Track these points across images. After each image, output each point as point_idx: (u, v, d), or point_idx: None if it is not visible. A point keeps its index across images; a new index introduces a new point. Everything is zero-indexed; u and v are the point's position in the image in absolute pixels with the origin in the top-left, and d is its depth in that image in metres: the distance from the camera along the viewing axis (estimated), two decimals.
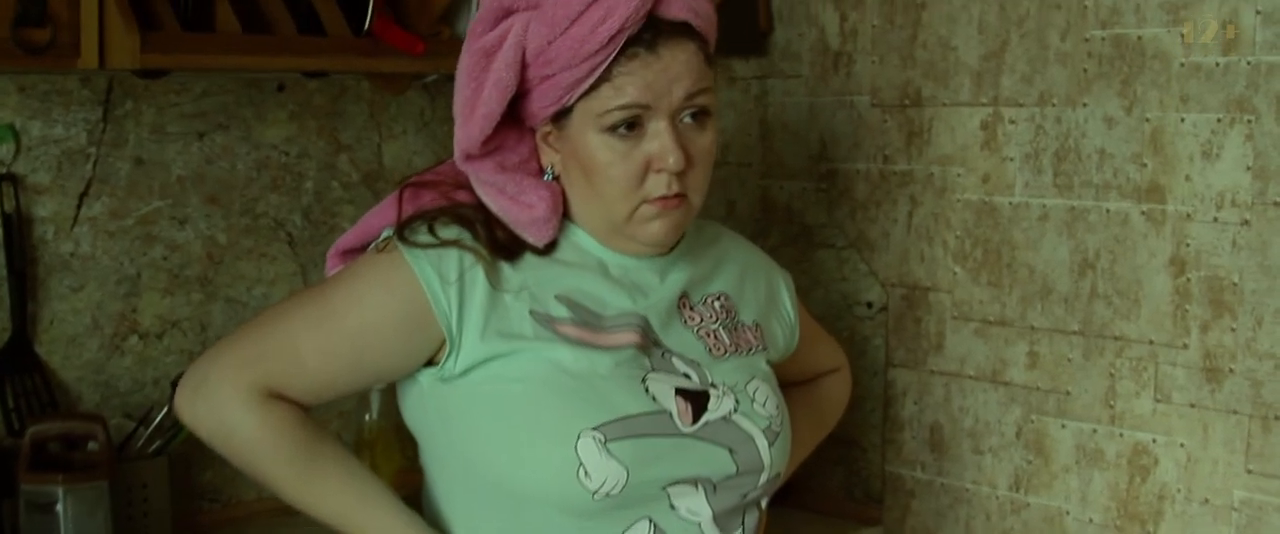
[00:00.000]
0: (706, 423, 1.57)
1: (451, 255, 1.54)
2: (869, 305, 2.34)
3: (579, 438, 1.49)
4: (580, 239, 1.61)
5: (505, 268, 1.56)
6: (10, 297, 2.08)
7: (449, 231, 1.56)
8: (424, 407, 1.60)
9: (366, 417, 2.33)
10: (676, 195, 1.54)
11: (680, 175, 1.54)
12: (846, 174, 2.35)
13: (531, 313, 1.54)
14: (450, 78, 2.26)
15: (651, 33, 1.50)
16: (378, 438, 2.31)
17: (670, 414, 1.54)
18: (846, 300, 2.36)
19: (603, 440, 1.50)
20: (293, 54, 2.01)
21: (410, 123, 2.48)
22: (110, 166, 2.17)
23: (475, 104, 1.52)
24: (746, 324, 1.70)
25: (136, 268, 2.21)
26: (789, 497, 2.29)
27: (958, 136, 2.20)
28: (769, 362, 1.72)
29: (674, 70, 1.51)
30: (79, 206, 2.14)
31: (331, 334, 1.55)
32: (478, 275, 1.53)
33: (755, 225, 2.47)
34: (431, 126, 2.51)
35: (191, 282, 2.27)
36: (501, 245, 1.56)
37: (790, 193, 2.44)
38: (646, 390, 1.54)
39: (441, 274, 1.53)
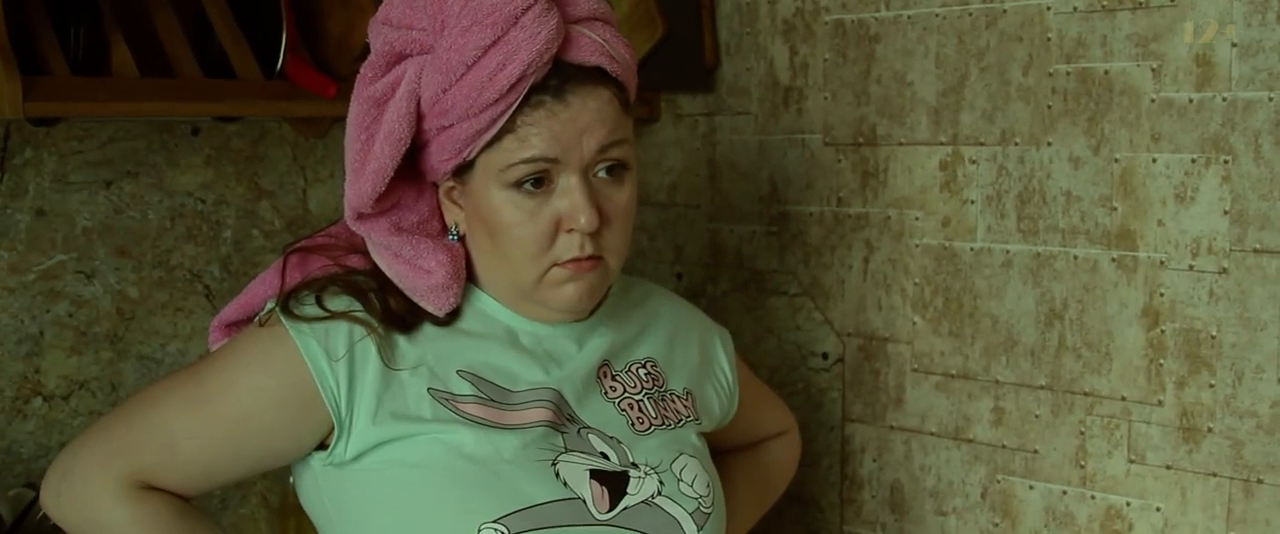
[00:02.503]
0: (625, 509, 1.42)
1: (340, 329, 1.41)
2: (824, 356, 2.20)
3: (479, 531, 1.35)
4: (486, 305, 1.47)
5: (401, 341, 1.43)
6: None
7: (338, 303, 1.44)
8: (318, 493, 1.47)
9: (291, 479, 2.19)
10: (591, 258, 1.40)
11: (594, 236, 1.40)
12: (799, 217, 2.21)
13: (430, 391, 1.40)
14: None
15: (559, 79, 1.36)
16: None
17: (584, 501, 1.40)
18: (800, 351, 2.22)
19: (505, 532, 1.35)
20: (197, 99, 1.87)
21: (337, 166, 2.33)
22: (9, 219, 2.02)
23: (366, 159, 1.38)
24: (676, 393, 1.56)
25: (39, 326, 2.06)
26: None
27: (915, 177, 2.06)
28: (702, 432, 1.58)
29: (584, 120, 1.37)
30: None
31: (208, 419, 1.42)
32: (369, 351, 1.39)
33: (704, 271, 2.33)
34: None
35: (100, 339, 2.12)
36: (397, 316, 1.43)
37: (740, 236, 2.30)
38: (557, 475, 1.40)
39: (328, 350, 1.40)
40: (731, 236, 2.31)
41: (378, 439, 1.40)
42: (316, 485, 1.47)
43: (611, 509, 1.41)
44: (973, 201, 2.00)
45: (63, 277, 2.08)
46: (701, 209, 2.35)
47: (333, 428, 1.41)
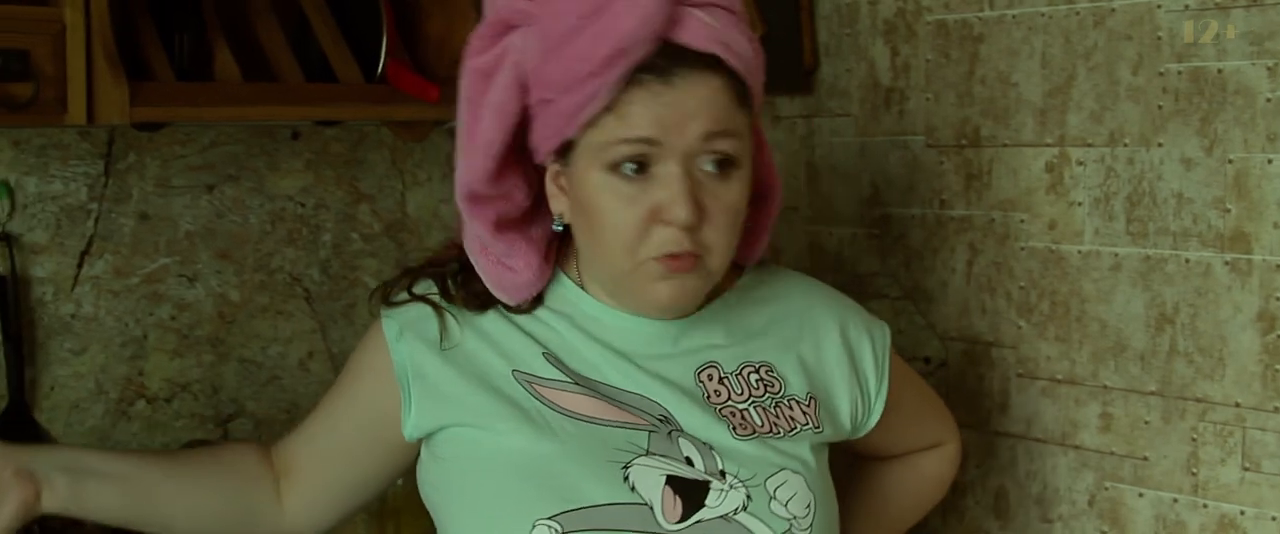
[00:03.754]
0: (699, 521, 1.37)
1: (419, 311, 1.47)
2: (927, 361, 2.17)
3: (532, 528, 1.34)
4: (582, 301, 1.46)
5: (481, 324, 1.44)
6: (6, 362, 1.95)
7: (422, 287, 1.49)
8: (423, 482, 1.52)
9: (399, 482, 2.21)
10: (688, 255, 1.37)
11: (692, 231, 1.35)
12: (901, 219, 2.18)
13: (514, 373, 1.41)
14: None
15: (666, 60, 1.32)
16: (404, 505, 2.17)
17: (651, 507, 1.36)
18: (903, 355, 2.18)
19: (559, 530, 1.33)
20: (300, 103, 1.88)
21: (435, 169, 2.34)
22: (113, 223, 2.04)
23: (474, 133, 1.37)
24: (796, 399, 1.49)
25: (143, 329, 2.08)
26: None
27: (1021, 179, 2.03)
28: (826, 441, 1.51)
29: (690, 105, 1.32)
30: (80, 266, 2.02)
31: (327, 392, 1.55)
32: (441, 332, 1.44)
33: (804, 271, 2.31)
34: None
35: (202, 342, 2.13)
36: (476, 300, 1.44)
37: (840, 240, 2.27)
38: (626, 478, 1.37)
39: (403, 329, 1.46)
40: (831, 239, 2.29)
41: (443, 421, 1.43)
42: (423, 477, 1.51)
43: (682, 521, 1.36)
44: (1080, 204, 1.97)
45: (166, 280, 2.09)
46: (800, 211, 2.33)
47: (402, 405, 1.46)
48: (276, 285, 2.20)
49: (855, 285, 2.24)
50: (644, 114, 1.32)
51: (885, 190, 2.20)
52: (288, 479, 1.53)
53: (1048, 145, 2.00)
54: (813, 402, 1.50)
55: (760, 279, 1.57)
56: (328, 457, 1.51)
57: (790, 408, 1.48)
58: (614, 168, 1.35)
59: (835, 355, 1.55)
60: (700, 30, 1.35)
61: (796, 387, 1.50)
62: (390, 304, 1.48)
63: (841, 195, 2.27)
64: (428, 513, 2.26)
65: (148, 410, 2.09)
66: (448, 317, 1.44)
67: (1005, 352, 2.07)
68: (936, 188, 2.13)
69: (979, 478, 2.13)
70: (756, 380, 1.48)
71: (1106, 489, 1.97)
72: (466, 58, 1.40)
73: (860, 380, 1.57)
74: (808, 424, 1.48)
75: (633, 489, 1.36)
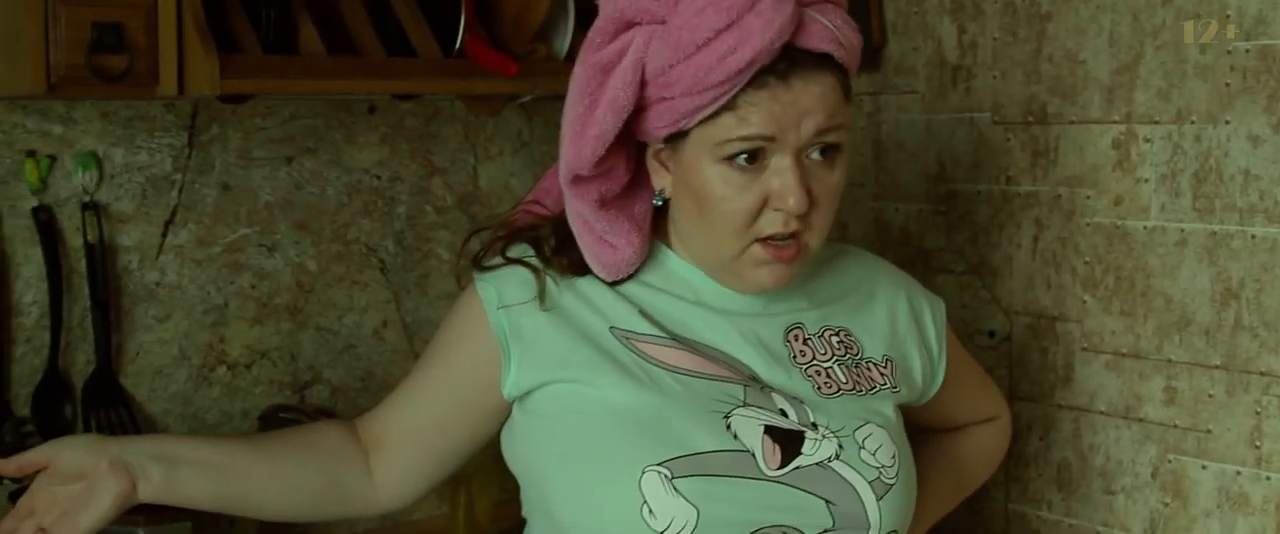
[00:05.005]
0: (797, 468, 1.43)
1: (516, 273, 1.50)
2: (991, 335, 2.20)
3: (643, 473, 1.38)
4: (675, 264, 1.50)
5: (579, 286, 1.48)
6: (94, 328, 2.01)
7: (516, 251, 1.52)
8: (514, 445, 1.54)
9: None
10: (792, 238, 1.42)
11: (801, 215, 1.41)
12: (966, 195, 2.21)
13: (612, 330, 1.44)
14: (547, 98, 2.19)
15: (786, 63, 1.37)
16: (476, 471, 2.22)
17: (753, 455, 1.41)
18: (967, 329, 2.22)
19: (669, 477, 1.38)
20: (380, 77, 1.92)
21: (507, 144, 2.38)
22: (196, 193, 2.10)
23: (588, 122, 1.40)
24: (873, 360, 1.56)
25: (224, 297, 2.14)
26: None
27: (1087, 156, 2.05)
28: (901, 403, 1.57)
29: (805, 103, 1.37)
30: (164, 235, 2.07)
31: (418, 362, 1.57)
32: (538, 293, 1.47)
33: (868, 249, 2.33)
34: (529, 147, 2.41)
35: (281, 310, 2.19)
36: (579, 266, 1.48)
37: (906, 215, 2.30)
38: (728, 427, 1.42)
39: (501, 293, 1.49)
40: (897, 215, 2.32)
41: (543, 379, 1.46)
42: (514, 438, 1.53)
43: (782, 467, 1.42)
44: (1146, 180, 1.99)
45: (246, 249, 2.15)
46: (866, 188, 2.36)
47: (502, 365, 1.48)
48: (352, 256, 2.25)
49: (920, 260, 2.27)
50: (762, 114, 1.37)
51: (951, 167, 2.23)
52: (378, 453, 1.56)
53: (1114, 122, 2.02)
54: (889, 363, 1.55)
55: (833, 251, 1.63)
56: (420, 427, 1.54)
57: (869, 369, 1.54)
58: (728, 159, 1.39)
59: (904, 322, 1.61)
60: (818, 32, 1.39)
61: (873, 350, 1.55)
62: (483, 268, 1.51)
63: (907, 172, 2.30)
64: (499, 480, 2.31)
65: (228, 376, 2.15)
66: (546, 278, 1.48)
67: (1070, 326, 2.10)
68: (1003, 164, 2.16)
69: (1042, 451, 2.16)
70: (837, 343, 1.54)
71: (1170, 462, 2.00)
72: (586, 50, 1.43)
73: (926, 346, 1.63)
74: (886, 384, 1.54)
75: (735, 437, 1.41)
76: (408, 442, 1.54)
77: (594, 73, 1.41)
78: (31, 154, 1.95)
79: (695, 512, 1.37)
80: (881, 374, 1.55)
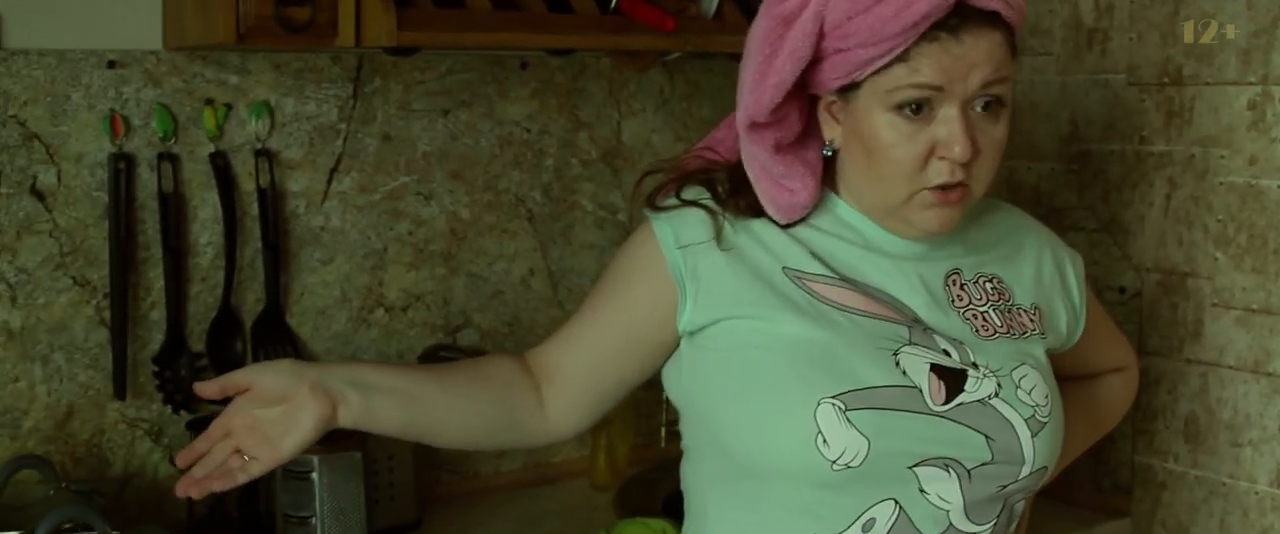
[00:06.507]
0: (960, 404, 1.51)
1: (692, 214, 1.56)
2: (1122, 291, 2.26)
3: (818, 405, 1.46)
4: (843, 211, 1.58)
5: (753, 227, 1.55)
6: (264, 269, 2.13)
7: (691, 193, 1.58)
8: (680, 378, 1.60)
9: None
10: (958, 185, 1.49)
11: (965, 165, 1.49)
12: (1100, 155, 2.27)
13: (784, 271, 1.52)
14: (691, 57, 2.27)
15: (958, 19, 1.44)
16: (616, 416, 2.31)
17: (920, 390, 1.50)
18: (1097, 285, 2.28)
19: (843, 409, 1.46)
20: (541, 31, 2.01)
21: (649, 101, 2.47)
22: (359, 143, 2.20)
23: (768, 72, 1.48)
24: (1022, 307, 1.63)
25: (383, 242, 2.24)
26: None
27: (1222, 117, 2.11)
28: (1048, 349, 1.65)
29: (974, 57, 1.45)
30: (329, 182, 2.18)
31: (589, 297, 1.62)
32: (714, 233, 1.53)
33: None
34: (670, 104, 2.49)
35: (435, 256, 2.29)
36: (754, 209, 1.55)
37: (1038, 174, 2.36)
38: (897, 364, 1.50)
39: (677, 232, 1.54)
40: (1029, 174, 2.38)
41: (718, 315, 1.53)
42: (681, 371, 1.60)
43: (947, 403, 1.50)
44: None
45: (404, 197, 2.25)
46: None
47: (678, 302, 1.55)
48: (503, 205, 2.35)
49: (1052, 218, 2.33)
50: (933, 65, 1.45)
51: (1085, 127, 2.29)
52: (550, 385, 1.62)
53: (1250, 84, 2.07)
54: (1037, 311, 1.63)
55: (981, 205, 1.70)
56: (593, 362, 1.61)
57: (1020, 315, 1.61)
58: (898, 108, 1.47)
59: (1049, 274, 1.68)
60: None
61: (1022, 297, 1.63)
62: (657, 209, 1.59)
63: (1041, 132, 2.36)
64: (636, 425, 2.41)
65: (385, 319, 2.26)
66: (721, 218, 1.56)
67: (1201, 282, 2.15)
68: (1136, 124, 2.22)
69: (1170, 404, 2.21)
70: (991, 288, 1.61)
71: None
72: (768, 4, 1.51)
73: (1068, 298, 1.70)
74: (1036, 329, 1.61)
75: (904, 374, 1.49)
76: (580, 375, 1.61)
77: (775, 24, 1.49)
78: (210, 103, 2.06)
79: (866, 442, 1.46)
80: (1031, 320, 1.62)
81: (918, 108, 1.46)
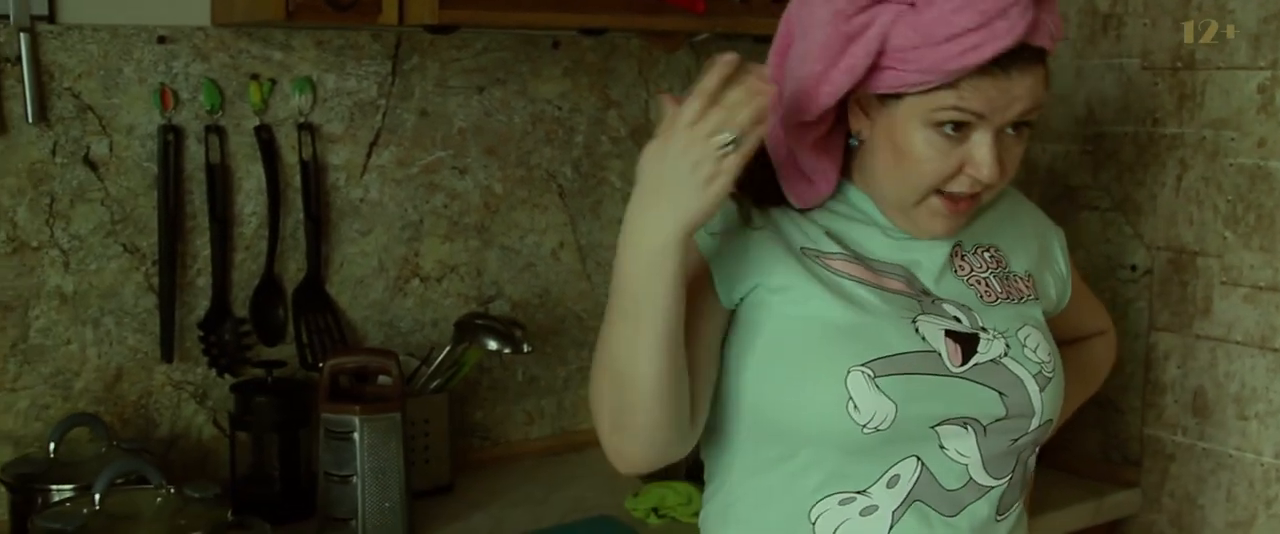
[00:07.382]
0: (976, 365, 1.58)
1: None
2: (1133, 268, 2.34)
3: (849, 373, 1.54)
4: (854, 196, 1.64)
5: (772, 211, 1.61)
6: (306, 239, 2.21)
7: None
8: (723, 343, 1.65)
9: None
10: (971, 196, 1.57)
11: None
12: (1113, 137, 2.34)
13: (803, 250, 1.59)
14: (719, 37, 2.34)
15: (1010, 57, 1.50)
16: None
17: (939, 354, 1.58)
18: (1109, 262, 2.36)
19: (871, 376, 1.53)
20: (576, 11, 2.08)
21: (677, 81, 2.54)
22: (398, 118, 2.28)
23: (823, 80, 1.53)
24: (1018, 274, 1.72)
25: (419, 214, 2.32)
26: (1044, 457, 2.26)
27: (1233, 100, 2.18)
28: (1044, 311, 1.73)
29: (1017, 91, 1.51)
30: (369, 155, 2.26)
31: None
32: (738, 215, 1.59)
33: (1016, 186, 2.47)
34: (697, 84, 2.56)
35: (469, 229, 2.37)
36: (774, 196, 1.61)
37: (1053, 155, 2.44)
38: (916, 330, 1.58)
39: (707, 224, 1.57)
40: (1044, 154, 2.45)
41: (752, 284, 1.58)
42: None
43: (964, 364, 1.58)
44: None
45: (440, 171, 2.33)
46: None
47: (718, 286, 1.59)
48: (534, 180, 2.43)
49: (1066, 197, 2.41)
50: (980, 96, 1.51)
51: (1099, 110, 2.36)
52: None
53: (1261, 68, 2.14)
54: (1030, 278, 1.72)
55: None
56: (699, 356, 1.60)
57: (1016, 281, 1.70)
58: (937, 125, 1.54)
59: (1037, 243, 1.78)
60: (1042, 32, 1.53)
61: (1017, 265, 1.72)
62: None
63: (1056, 114, 2.43)
64: None
65: (421, 288, 2.34)
66: (746, 205, 1.62)
67: (1210, 260, 2.23)
68: (1150, 107, 2.29)
69: (1179, 378, 2.29)
70: (990, 257, 1.70)
71: None
72: (835, 19, 1.53)
73: (1054, 267, 1.80)
74: (1031, 295, 1.70)
75: (923, 339, 1.57)
76: (700, 371, 1.61)
77: (839, 40, 1.54)
78: (255, 77, 2.14)
79: (894, 406, 1.54)
80: (1026, 286, 1.71)
81: (956, 127, 1.53)
